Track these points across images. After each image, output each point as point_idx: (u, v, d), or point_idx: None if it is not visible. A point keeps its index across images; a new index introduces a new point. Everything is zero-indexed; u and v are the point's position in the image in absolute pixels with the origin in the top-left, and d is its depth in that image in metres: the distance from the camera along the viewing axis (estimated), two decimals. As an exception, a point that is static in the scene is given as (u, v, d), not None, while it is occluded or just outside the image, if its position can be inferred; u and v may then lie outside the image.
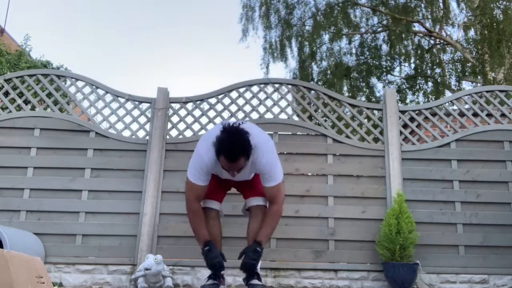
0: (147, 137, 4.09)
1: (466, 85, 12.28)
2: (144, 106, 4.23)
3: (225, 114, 4.24)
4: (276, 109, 4.23)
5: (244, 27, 12.55)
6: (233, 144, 2.29)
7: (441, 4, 11.24)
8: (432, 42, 12.57)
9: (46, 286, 1.94)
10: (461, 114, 4.30)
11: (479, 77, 11.09)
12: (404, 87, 12.84)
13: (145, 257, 3.19)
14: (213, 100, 4.26)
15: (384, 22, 12.59)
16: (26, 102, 4.32)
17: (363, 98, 12.26)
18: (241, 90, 4.29)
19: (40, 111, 4.22)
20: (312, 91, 4.34)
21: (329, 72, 12.59)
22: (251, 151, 2.35)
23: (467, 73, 11.78)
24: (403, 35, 12.18)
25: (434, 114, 4.30)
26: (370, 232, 3.79)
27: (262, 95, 4.28)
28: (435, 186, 3.93)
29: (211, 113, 4.23)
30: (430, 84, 12.69)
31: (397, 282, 3.42)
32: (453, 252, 3.77)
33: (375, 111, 4.25)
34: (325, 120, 4.41)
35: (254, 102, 4.27)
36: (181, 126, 4.18)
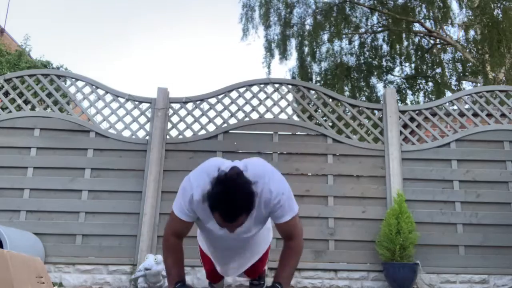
0: (147, 137, 4.09)
1: (467, 85, 12.28)
2: (144, 106, 4.23)
3: (225, 114, 4.25)
4: (276, 109, 4.23)
5: (244, 27, 12.56)
6: (231, 202, 1.72)
7: (441, 4, 11.23)
8: (432, 42, 12.58)
9: (46, 286, 1.94)
10: (461, 114, 4.29)
11: (479, 77, 11.09)
12: (404, 87, 12.83)
13: (145, 257, 3.20)
14: (213, 100, 4.26)
15: (384, 22, 12.60)
16: (26, 102, 4.32)
17: (363, 98, 12.26)
18: (241, 90, 4.29)
19: (40, 111, 4.22)
20: (312, 91, 4.34)
21: (329, 72, 12.59)
22: (254, 204, 1.81)
23: (467, 73, 11.78)
24: (403, 35, 12.18)
25: (434, 114, 4.30)
26: (370, 232, 3.79)
27: (262, 95, 4.28)
28: (435, 186, 3.93)
29: (211, 113, 4.23)
30: (430, 84, 12.69)
31: (397, 282, 3.42)
32: (453, 252, 3.77)
33: (375, 111, 4.25)
34: (325, 120, 4.41)
35: (254, 102, 4.27)
36: (181, 126, 4.19)
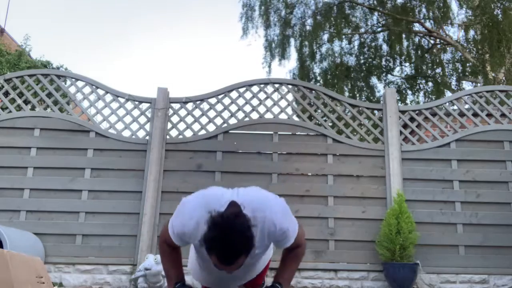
0: (147, 137, 4.09)
1: (467, 85, 12.29)
2: (144, 106, 4.23)
3: (225, 114, 4.24)
4: (276, 109, 4.23)
5: (244, 26, 12.57)
6: (229, 245, 1.67)
7: (441, 4, 11.23)
8: (432, 42, 12.58)
9: (46, 286, 1.94)
10: (461, 114, 4.29)
11: (479, 77, 11.09)
12: (404, 87, 12.84)
13: (145, 257, 3.20)
14: (213, 100, 4.26)
15: (384, 22, 12.60)
16: (26, 102, 4.32)
17: (363, 98, 12.26)
18: (241, 90, 4.29)
19: (40, 111, 4.22)
20: (312, 91, 4.34)
21: (329, 72, 12.60)
22: (253, 245, 1.73)
23: (467, 73, 11.79)
24: (403, 35, 12.19)
25: (434, 114, 4.29)
26: (370, 232, 3.79)
27: (262, 95, 4.28)
28: (435, 186, 3.92)
29: (211, 113, 4.23)
30: (430, 84, 12.70)
31: (397, 282, 3.42)
32: (453, 252, 3.77)
33: (375, 111, 4.24)
34: (325, 120, 4.41)
35: (254, 102, 4.27)
36: (181, 126, 4.18)
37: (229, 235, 1.64)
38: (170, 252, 2.06)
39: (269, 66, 12.59)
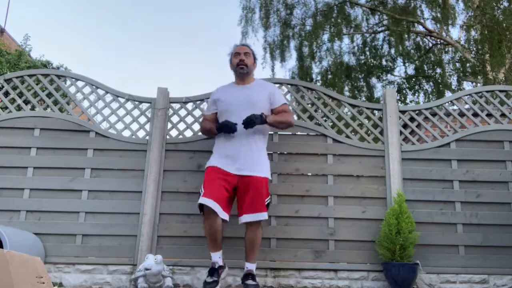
0: (147, 137, 4.09)
1: (467, 85, 12.30)
2: (144, 106, 4.23)
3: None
4: (276, 109, 4.21)
5: (243, 30, 12.57)
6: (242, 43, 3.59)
7: (441, 4, 11.23)
8: (432, 42, 12.59)
9: (46, 286, 1.94)
10: (461, 114, 4.29)
11: (479, 77, 11.10)
12: (404, 87, 12.84)
13: (145, 257, 3.20)
14: (213, 100, 4.25)
15: (385, 22, 12.60)
16: (26, 102, 4.32)
17: (363, 98, 12.26)
18: (241, 90, 4.28)
19: (40, 111, 4.22)
20: (312, 91, 4.33)
21: (329, 72, 12.60)
22: (255, 55, 3.54)
23: (467, 73, 11.79)
24: (404, 35, 12.19)
25: (434, 114, 4.29)
26: (370, 232, 3.79)
27: (262, 95, 4.27)
28: (435, 186, 3.93)
29: (211, 113, 4.22)
30: (430, 84, 12.70)
31: (397, 282, 3.42)
32: (453, 252, 3.77)
33: (375, 111, 4.25)
34: (325, 120, 4.40)
35: (254, 102, 4.26)
36: (181, 126, 4.19)
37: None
38: (207, 122, 3.54)
39: (270, 67, 12.59)
